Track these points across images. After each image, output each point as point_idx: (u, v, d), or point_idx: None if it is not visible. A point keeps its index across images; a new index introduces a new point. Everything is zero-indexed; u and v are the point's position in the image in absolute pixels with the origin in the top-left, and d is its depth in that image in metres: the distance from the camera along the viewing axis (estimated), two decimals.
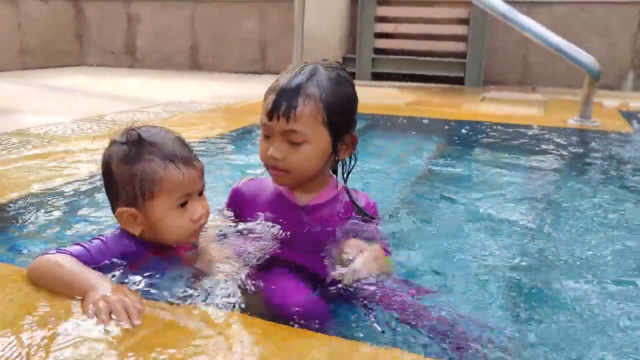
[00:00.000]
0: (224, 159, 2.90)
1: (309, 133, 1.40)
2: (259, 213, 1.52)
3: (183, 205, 1.37)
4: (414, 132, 3.92)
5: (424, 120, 4.21)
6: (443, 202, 2.30)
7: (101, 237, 1.38)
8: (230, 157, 2.98)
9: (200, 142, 3.19)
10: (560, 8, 6.32)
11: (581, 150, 3.54)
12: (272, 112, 1.40)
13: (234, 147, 3.22)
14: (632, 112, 4.76)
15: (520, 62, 6.60)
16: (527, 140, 3.61)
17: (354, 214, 1.54)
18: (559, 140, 3.61)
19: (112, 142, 1.39)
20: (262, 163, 1.49)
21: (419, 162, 3.01)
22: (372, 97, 5.15)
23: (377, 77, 6.76)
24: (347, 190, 1.55)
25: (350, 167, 1.56)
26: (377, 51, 6.89)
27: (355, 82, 1.53)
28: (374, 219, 1.57)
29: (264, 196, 1.56)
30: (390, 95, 5.59)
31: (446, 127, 4.08)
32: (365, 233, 1.48)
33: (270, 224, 1.50)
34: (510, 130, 3.90)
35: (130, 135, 1.35)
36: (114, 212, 1.40)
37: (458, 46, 6.58)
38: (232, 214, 1.59)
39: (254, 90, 5.59)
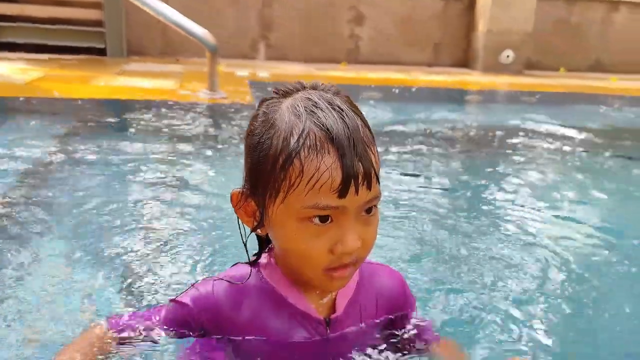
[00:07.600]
0: None
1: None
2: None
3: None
4: (41, 115, 3.52)
5: (51, 101, 3.83)
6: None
7: None
8: None
9: None
10: None
11: (209, 124, 3.69)
12: (346, 184, 0.84)
13: None
14: (260, 82, 5.20)
15: (161, 34, 6.53)
16: (162, 120, 3.57)
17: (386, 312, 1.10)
18: (189, 116, 3.69)
19: None
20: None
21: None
22: None
23: (4, 47, 5.90)
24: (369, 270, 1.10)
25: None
26: (1, 18, 5.99)
27: None
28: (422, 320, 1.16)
29: (256, 302, 1.01)
30: (15, 71, 4.92)
31: (75, 109, 3.77)
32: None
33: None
34: (146, 107, 3.82)
35: None
36: None
37: (94, 14, 6.18)
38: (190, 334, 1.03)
39: None
